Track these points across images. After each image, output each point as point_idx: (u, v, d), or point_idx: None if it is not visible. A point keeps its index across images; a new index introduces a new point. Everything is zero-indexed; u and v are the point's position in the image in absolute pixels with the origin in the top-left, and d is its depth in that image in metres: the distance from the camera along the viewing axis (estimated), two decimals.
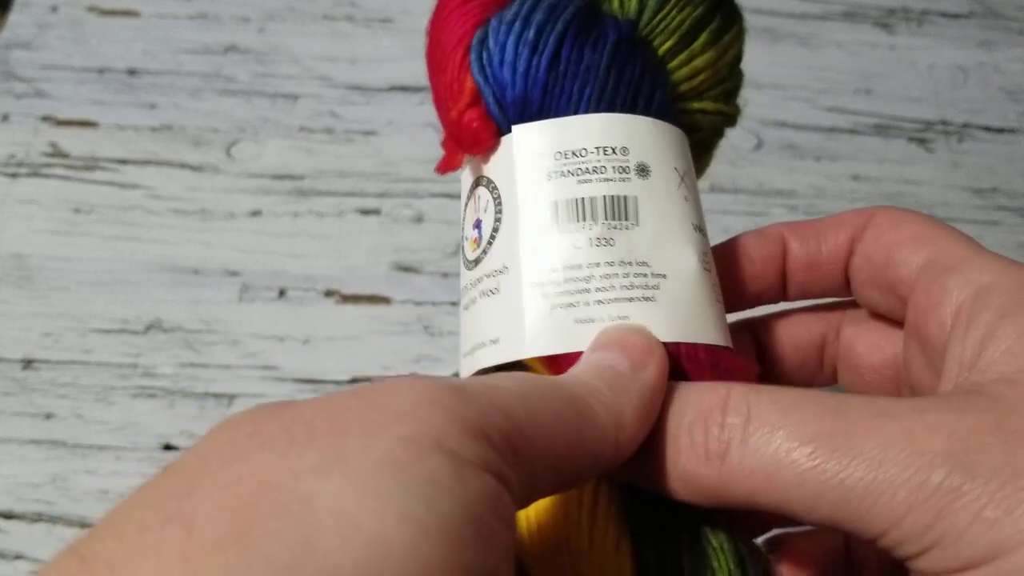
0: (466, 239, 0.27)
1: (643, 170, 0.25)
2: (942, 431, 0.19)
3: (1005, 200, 0.55)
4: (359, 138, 0.57)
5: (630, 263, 0.24)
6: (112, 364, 0.48)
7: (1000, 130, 0.58)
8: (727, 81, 0.28)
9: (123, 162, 0.55)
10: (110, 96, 0.58)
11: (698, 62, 0.27)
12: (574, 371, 0.22)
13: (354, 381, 0.48)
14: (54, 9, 0.62)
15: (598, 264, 0.24)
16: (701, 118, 0.28)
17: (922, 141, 0.57)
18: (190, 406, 0.47)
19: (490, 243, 0.25)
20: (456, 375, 0.27)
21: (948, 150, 0.57)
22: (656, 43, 0.26)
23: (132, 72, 0.59)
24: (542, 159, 0.25)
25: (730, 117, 0.28)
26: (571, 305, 0.24)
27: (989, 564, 0.18)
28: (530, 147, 0.25)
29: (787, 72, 0.60)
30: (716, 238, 0.28)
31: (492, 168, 0.26)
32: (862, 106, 0.59)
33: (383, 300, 0.50)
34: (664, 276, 0.24)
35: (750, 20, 0.29)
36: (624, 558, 0.22)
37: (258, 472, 0.16)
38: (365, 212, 0.54)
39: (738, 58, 0.28)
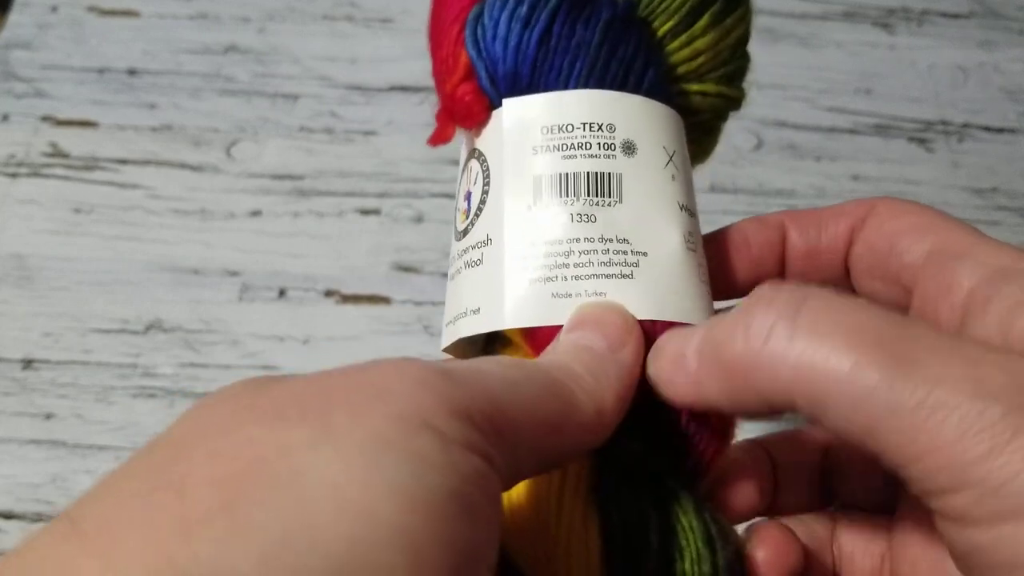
0: (457, 211, 0.27)
1: (629, 148, 0.25)
2: (1007, 371, 0.18)
3: (1005, 200, 0.55)
4: (359, 138, 0.57)
5: (610, 239, 0.24)
6: (112, 364, 0.48)
7: (1000, 130, 0.58)
8: (729, 63, 0.28)
9: (123, 162, 0.55)
10: (110, 96, 0.58)
11: (699, 43, 0.27)
12: (555, 354, 0.22)
13: None
14: (54, 9, 0.62)
15: (578, 240, 0.24)
16: (701, 100, 0.28)
17: (922, 141, 0.57)
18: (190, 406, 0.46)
19: (477, 214, 0.26)
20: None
21: (948, 150, 0.57)
22: (656, 23, 0.27)
23: (132, 72, 0.59)
24: (529, 133, 0.25)
25: (733, 100, 0.28)
26: (550, 279, 0.24)
27: None
28: (518, 121, 0.25)
29: (787, 72, 0.60)
30: None
31: (483, 141, 0.26)
32: (862, 106, 0.59)
33: (383, 300, 0.50)
34: (645, 254, 0.24)
35: None
36: (592, 534, 0.22)
37: (249, 445, 0.16)
38: (365, 212, 0.54)
39: (742, 41, 0.28)
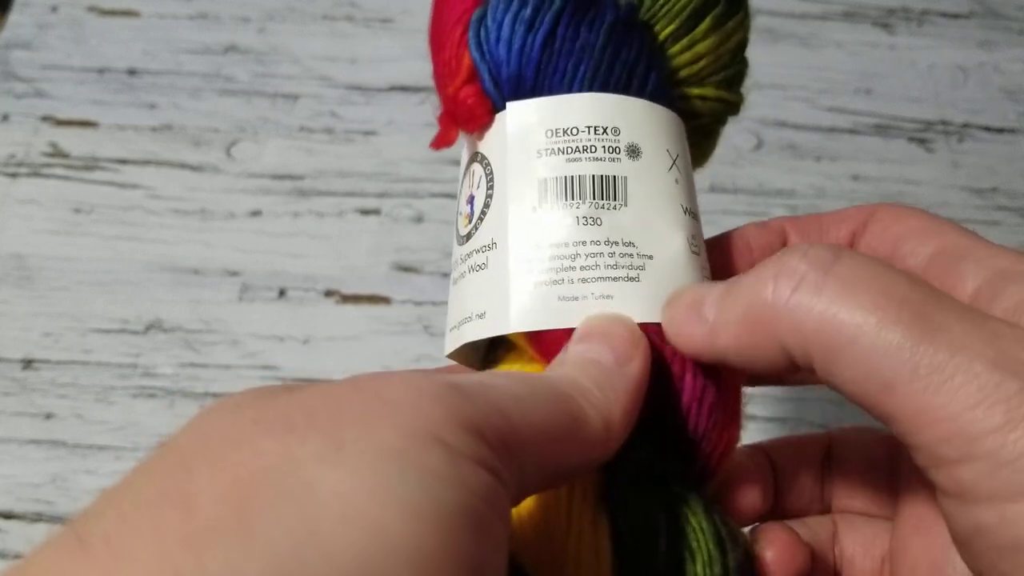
0: (459, 214, 0.27)
1: (634, 151, 0.25)
2: None
3: (1005, 200, 0.55)
4: (359, 138, 0.57)
5: (616, 243, 0.24)
6: (112, 364, 0.48)
7: (1000, 130, 0.58)
8: (729, 68, 0.28)
9: (123, 162, 0.55)
10: (110, 96, 0.58)
11: (700, 47, 0.27)
12: (562, 367, 0.22)
13: None
14: (54, 9, 0.62)
15: (584, 243, 0.24)
16: (701, 104, 0.28)
17: (922, 141, 0.57)
18: (190, 406, 0.46)
19: (481, 218, 0.26)
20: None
21: (948, 150, 0.57)
22: (658, 27, 0.27)
23: (132, 72, 0.59)
24: (533, 136, 0.25)
25: (732, 104, 0.29)
26: (556, 282, 0.24)
27: None
28: (522, 124, 0.25)
29: (787, 72, 0.60)
30: None
31: (486, 144, 0.26)
32: (862, 106, 0.59)
33: (383, 300, 0.50)
34: (650, 257, 0.24)
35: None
36: (602, 537, 0.22)
37: (258, 457, 0.16)
38: (365, 212, 0.54)
39: (742, 45, 0.28)
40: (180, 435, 0.17)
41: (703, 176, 0.30)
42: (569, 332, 0.24)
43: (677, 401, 0.24)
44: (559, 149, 0.25)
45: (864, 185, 0.55)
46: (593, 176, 0.25)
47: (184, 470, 0.16)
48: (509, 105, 0.26)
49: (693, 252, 0.25)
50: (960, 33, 0.63)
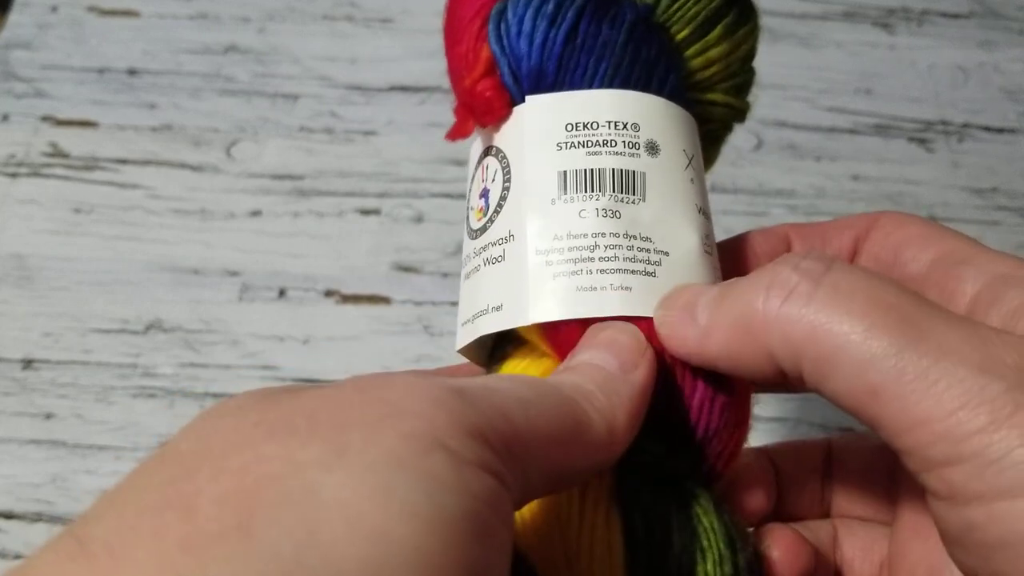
0: (471, 209, 0.27)
1: (653, 148, 0.25)
2: (1016, 349, 0.19)
3: (1005, 200, 0.55)
4: (359, 138, 0.57)
5: (634, 236, 0.24)
6: (112, 364, 0.48)
7: (1000, 130, 0.58)
8: (738, 76, 0.28)
9: (123, 162, 0.55)
10: (110, 96, 0.58)
11: (712, 53, 0.27)
12: (567, 374, 0.22)
13: None
14: (54, 9, 0.62)
15: (603, 234, 0.24)
16: (711, 109, 0.28)
17: (922, 141, 0.57)
18: (190, 406, 0.46)
19: (497, 211, 0.26)
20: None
21: (948, 150, 0.57)
22: (673, 30, 0.27)
23: (132, 72, 0.59)
24: (553, 130, 0.25)
25: (739, 111, 0.29)
26: (575, 273, 0.24)
27: None
28: (542, 118, 0.25)
29: (787, 72, 0.60)
30: (717, 237, 0.28)
31: (502, 138, 0.26)
32: (862, 106, 0.59)
33: (383, 300, 0.50)
34: (666, 253, 0.24)
35: None
36: (614, 534, 0.22)
37: (260, 462, 0.16)
38: (365, 212, 0.54)
39: (751, 54, 0.29)
40: (181, 437, 0.17)
41: (708, 171, 0.30)
42: (584, 325, 0.24)
43: (689, 400, 0.24)
44: (579, 142, 0.25)
45: (864, 185, 0.55)
46: (613, 170, 0.25)
47: (185, 473, 0.16)
48: (529, 99, 0.26)
49: (706, 252, 0.25)
50: (960, 33, 0.63)
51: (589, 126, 0.25)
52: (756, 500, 0.27)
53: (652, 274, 0.24)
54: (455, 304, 0.50)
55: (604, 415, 0.21)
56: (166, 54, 0.60)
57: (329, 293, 0.50)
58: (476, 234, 0.26)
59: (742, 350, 0.22)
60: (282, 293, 0.50)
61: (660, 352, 0.24)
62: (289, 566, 0.14)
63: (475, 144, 0.28)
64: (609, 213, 0.24)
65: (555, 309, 0.24)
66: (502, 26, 0.26)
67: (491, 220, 0.26)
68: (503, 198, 0.26)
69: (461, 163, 0.55)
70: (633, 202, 0.25)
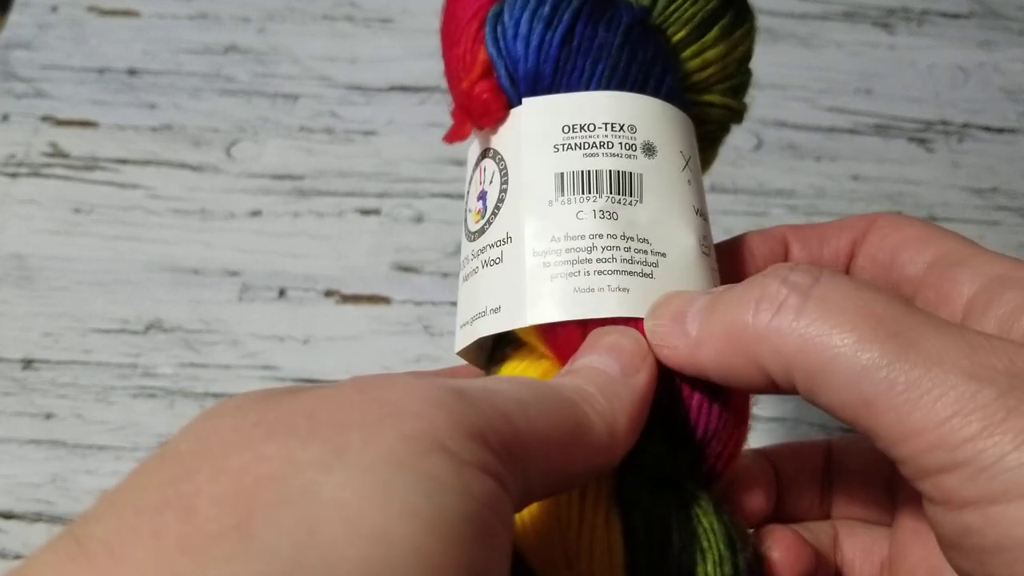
0: (469, 211, 0.27)
1: (649, 149, 0.25)
2: (1004, 357, 0.19)
3: (1005, 200, 0.55)
4: (359, 138, 0.57)
5: (632, 238, 0.24)
6: (112, 364, 0.48)
7: (1000, 130, 0.58)
8: (735, 77, 0.28)
9: (123, 162, 0.55)
10: (110, 96, 0.58)
11: (709, 55, 0.27)
12: (568, 376, 0.22)
13: None
14: (54, 9, 0.62)
15: (600, 236, 0.24)
16: (708, 111, 0.28)
17: (922, 141, 0.57)
18: (190, 406, 0.47)
19: (494, 214, 0.26)
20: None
21: (948, 150, 0.57)
22: (669, 32, 0.27)
23: (132, 72, 0.59)
24: (550, 132, 0.25)
25: (737, 112, 0.29)
26: (572, 275, 0.24)
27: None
28: (539, 120, 0.25)
29: (787, 72, 0.60)
30: (717, 238, 0.28)
31: (499, 140, 0.26)
32: (862, 106, 0.59)
33: (383, 300, 0.50)
34: (663, 255, 0.24)
35: None
36: (614, 534, 0.22)
37: (260, 462, 0.16)
38: (365, 212, 0.54)
39: (747, 55, 0.29)
40: (181, 437, 0.17)
41: (707, 172, 0.30)
42: (583, 326, 0.24)
43: (688, 401, 0.24)
44: (576, 144, 0.25)
45: (864, 185, 0.55)
46: (610, 171, 0.25)
47: (185, 474, 0.16)
48: (526, 101, 0.26)
49: (704, 253, 0.25)
50: (960, 33, 0.63)
51: (586, 128, 0.25)
52: (756, 501, 0.27)
53: (649, 275, 0.24)
54: (455, 304, 0.50)
55: (605, 418, 0.21)
56: (166, 54, 0.60)
57: (329, 293, 0.50)
58: (474, 236, 0.26)
59: (733, 362, 0.22)
60: (282, 293, 0.50)
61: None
62: (288, 566, 0.14)
63: (473, 146, 0.28)
64: (606, 214, 0.24)
65: (553, 311, 0.24)
66: (499, 29, 0.26)
67: (489, 222, 0.26)
68: (500, 200, 0.26)
69: (461, 163, 0.55)
70: (630, 203, 0.25)
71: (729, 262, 0.28)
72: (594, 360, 0.22)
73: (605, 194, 0.24)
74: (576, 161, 0.25)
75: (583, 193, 0.24)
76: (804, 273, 0.21)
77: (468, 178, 0.28)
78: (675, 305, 0.23)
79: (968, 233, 0.25)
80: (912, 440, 0.19)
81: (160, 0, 0.62)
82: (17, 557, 0.42)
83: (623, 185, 0.25)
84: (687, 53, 0.27)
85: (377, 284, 0.51)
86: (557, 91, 0.26)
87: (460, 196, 0.54)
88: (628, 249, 0.24)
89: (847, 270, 0.27)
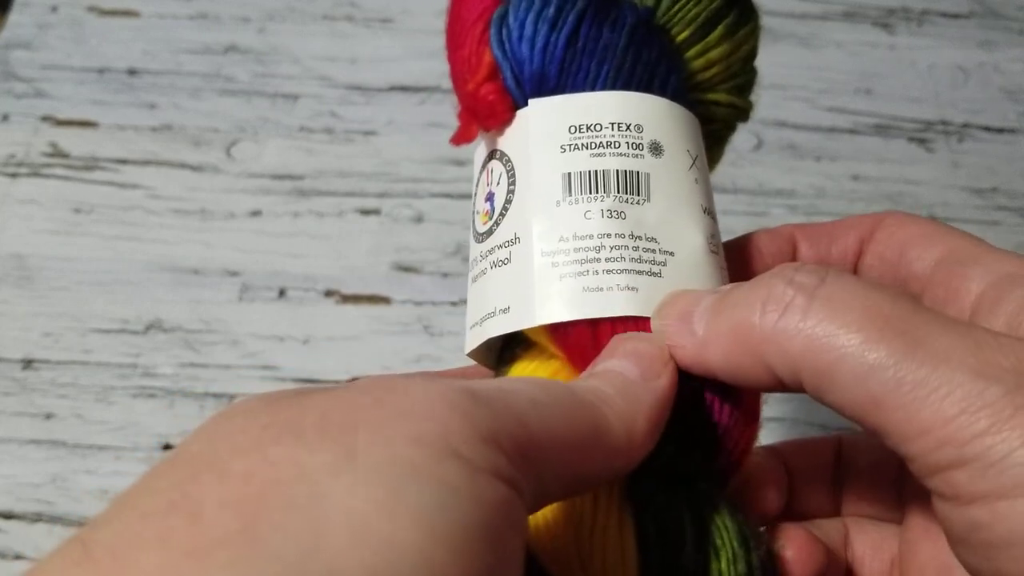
0: (477, 213, 0.27)
1: (656, 149, 0.25)
2: (1012, 354, 0.19)
3: (1005, 200, 0.55)
4: (359, 138, 0.57)
5: (640, 237, 0.24)
6: (112, 364, 0.48)
7: (1000, 130, 0.58)
8: (740, 75, 0.29)
9: (123, 162, 0.55)
10: (110, 96, 0.58)
11: (713, 54, 0.27)
12: (586, 378, 0.22)
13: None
14: (54, 9, 0.62)
15: (609, 235, 0.24)
16: (715, 110, 0.28)
17: (922, 141, 0.57)
18: (190, 406, 0.47)
19: (502, 215, 0.26)
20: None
21: (948, 150, 0.57)
22: (673, 31, 0.27)
23: (132, 72, 0.59)
24: (556, 132, 0.25)
25: (742, 111, 0.29)
26: (581, 274, 0.24)
27: None
28: (545, 120, 0.26)
29: (787, 72, 0.60)
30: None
31: (506, 141, 0.26)
32: (862, 106, 0.59)
33: (383, 300, 0.50)
34: (672, 254, 0.24)
35: None
36: (627, 534, 0.22)
37: (267, 466, 0.16)
38: (365, 212, 0.54)
39: (752, 54, 0.29)
40: (191, 440, 0.17)
41: (713, 171, 0.30)
42: (592, 326, 0.24)
43: (699, 399, 0.24)
44: (583, 144, 0.25)
45: (864, 185, 0.55)
46: (617, 171, 0.25)
47: (192, 478, 0.16)
48: (532, 102, 0.26)
49: (712, 251, 0.25)
50: (960, 33, 0.63)
51: (592, 128, 0.25)
52: (768, 499, 0.27)
53: (658, 274, 0.24)
54: (455, 304, 0.50)
55: (623, 420, 0.21)
56: (166, 54, 0.60)
57: (329, 293, 0.50)
58: (482, 237, 0.26)
59: (740, 361, 0.22)
60: (282, 293, 0.50)
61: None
62: (293, 573, 0.14)
63: (479, 148, 0.28)
64: (614, 214, 0.24)
65: (562, 310, 0.24)
66: (504, 30, 0.26)
67: (496, 223, 0.26)
68: (508, 201, 0.26)
69: (461, 163, 0.55)
70: (638, 203, 0.25)
71: (737, 261, 0.28)
72: (614, 364, 0.22)
73: (613, 194, 0.25)
74: (583, 161, 0.25)
75: (590, 193, 0.25)
76: (810, 273, 0.21)
77: (475, 180, 0.28)
78: (681, 304, 0.23)
79: None
80: (920, 437, 0.19)
81: (160, 0, 0.62)
82: (17, 557, 0.42)
83: (630, 184, 0.25)
84: (691, 52, 0.27)
85: (377, 284, 0.51)
86: (563, 92, 0.26)
87: (460, 196, 0.54)
88: (636, 248, 0.24)
89: (855, 268, 0.28)
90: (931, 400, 0.19)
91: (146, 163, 0.55)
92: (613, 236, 0.24)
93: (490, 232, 0.26)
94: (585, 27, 0.25)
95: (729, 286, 0.23)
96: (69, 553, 0.15)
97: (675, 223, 0.25)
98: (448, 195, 0.54)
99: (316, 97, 0.58)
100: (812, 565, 0.25)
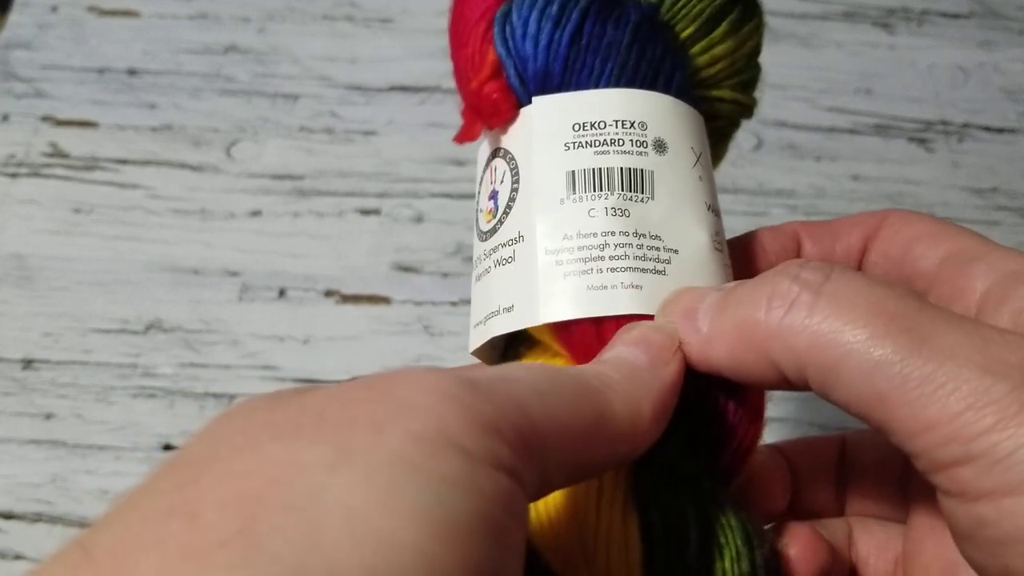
0: (481, 211, 0.27)
1: (660, 146, 0.25)
2: (1020, 349, 0.19)
3: (1005, 200, 0.55)
4: (359, 138, 0.57)
5: (644, 235, 0.24)
6: (112, 364, 0.48)
7: (1000, 130, 0.58)
8: (744, 72, 0.29)
9: (123, 162, 0.55)
10: (110, 96, 0.58)
11: (717, 50, 0.27)
12: (594, 364, 0.22)
13: None
14: (54, 9, 0.62)
15: (613, 233, 0.24)
16: (719, 106, 0.28)
17: (922, 141, 0.57)
18: (190, 406, 0.47)
19: (506, 213, 0.26)
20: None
21: (948, 150, 0.57)
22: (678, 28, 0.27)
23: (132, 72, 0.59)
24: (560, 130, 0.25)
25: (747, 107, 0.29)
26: (585, 272, 0.24)
27: None
28: (549, 118, 0.25)
29: (787, 72, 0.60)
30: None
31: (510, 139, 0.26)
32: (862, 106, 0.59)
33: (383, 300, 0.50)
34: (676, 252, 0.24)
35: None
36: (631, 531, 0.22)
37: (264, 464, 0.16)
38: (365, 212, 0.54)
39: (756, 50, 0.29)
40: (192, 442, 0.17)
41: (717, 167, 0.30)
42: (597, 324, 0.24)
43: (703, 397, 0.24)
44: (587, 142, 0.25)
45: (864, 185, 0.55)
46: (621, 168, 0.25)
47: (192, 479, 0.16)
48: (535, 100, 0.26)
49: (716, 249, 0.25)
50: (960, 33, 0.63)
51: (596, 125, 0.25)
52: (772, 497, 0.27)
53: (662, 272, 0.24)
54: (455, 304, 0.50)
55: (629, 405, 0.20)
56: (166, 54, 0.60)
57: (329, 293, 0.50)
58: (486, 236, 0.26)
59: (744, 358, 0.22)
60: (282, 293, 0.50)
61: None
62: (291, 572, 0.14)
63: (483, 146, 0.28)
64: (618, 212, 0.24)
65: (566, 309, 0.24)
66: (507, 28, 0.26)
67: (500, 221, 0.26)
68: (512, 199, 0.26)
69: (461, 163, 0.55)
70: (642, 201, 0.25)
71: (741, 258, 0.28)
72: (622, 351, 0.22)
73: (617, 192, 0.24)
74: (587, 159, 0.25)
75: (595, 191, 0.24)
76: (815, 270, 0.21)
77: (479, 178, 0.28)
78: (685, 301, 0.23)
79: None
80: (926, 434, 0.19)
81: (160, 0, 0.62)
82: (17, 557, 0.42)
83: (634, 182, 0.25)
84: (696, 49, 0.27)
85: (377, 284, 0.51)
86: (567, 90, 0.26)
87: (460, 196, 0.54)
88: (640, 246, 0.24)
89: (859, 266, 0.27)
90: (937, 396, 0.19)
91: (146, 163, 0.55)
92: (617, 234, 0.24)
93: (494, 230, 0.26)
94: (589, 24, 0.25)
95: (734, 283, 0.23)
96: (69, 556, 0.15)
97: (679, 221, 0.25)
98: (448, 195, 0.54)
99: (316, 97, 0.58)
100: (816, 563, 0.25)
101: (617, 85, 0.26)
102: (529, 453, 0.17)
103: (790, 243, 0.28)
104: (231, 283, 0.51)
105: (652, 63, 0.26)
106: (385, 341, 0.49)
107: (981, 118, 0.59)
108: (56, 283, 0.50)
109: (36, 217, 0.53)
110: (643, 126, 0.25)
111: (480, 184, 0.28)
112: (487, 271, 0.26)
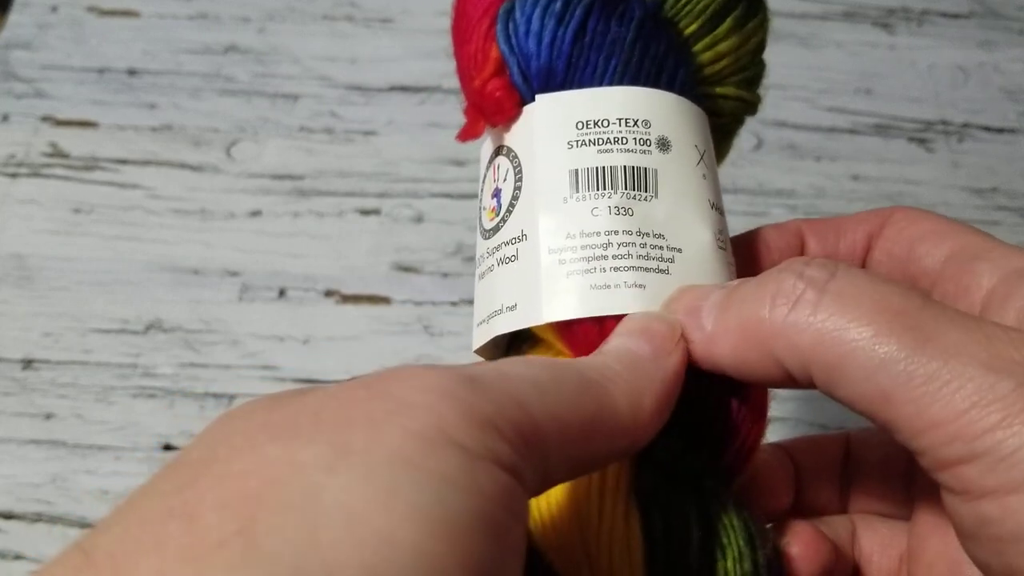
0: (484, 209, 0.27)
1: (664, 144, 0.25)
2: (1022, 348, 0.19)
3: (1005, 200, 0.55)
4: (359, 138, 0.57)
5: (647, 234, 0.24)
6: (112, 364, 0.48)
7: (1000, 130, 0.58)
8: (749, 69, 0.28)
9: (123, 162, 0.55)
10: (110, 96, 0.58)
11: (722, 47, 0.27)
12: (596, 355, 0.22)
13: None
14: (54, 9, 0.62)
15: (616, 232, 0.24)
16: (723, 103, 0.28)
17: (922, 141, 0.57)
18: (190, 406, 0.46)
19: (509, 211, 0.26)
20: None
21: (948, 150, 0.57)
22: (681, 25, 0.27)
23: (132, 72, 0.59)
24: (564, 128, 0.25)
25: (751, 104, 0.29)
26: (588, 271, 0.24)
27: None
28: (552, 116, 0.25)
29: (787, 72, 0.60)
30: None
31: (513, 137, 0.26)
32: (862, 106, 0.59)
33: (383, 300, 0.50)
34: (679, 250, 0.24)
35: None
36: (634, 531, 0.22)
37: (262, 465, 0.15)
38: (365, 212, 0.54)
39: (761, 46, 0.29)
40: (192, 445, 0.17)
41: (722, 164, 0.30)
42: (599, 323, 0.24)
43: (706, 395, 0.24)
44: (590, 140, 0.25)
45: (864, 185, 0.55)
46: (624, 167, 0.25)
47: (191, 481, 0.16)
48: (539, 97, 0.26)
49: (720, 247, 0.25)
50: (960, 33, 0.63)
51: (600, 124, 0.25)
52: (775, 496, 0.27)
53: (666, 271, 0.24)
54: (455, 304, 0.50)
55: (629, 397, 0.20)
56: (166, 54, 0.60)
57: (329, 293, 0.50)
58: (489, 234, 0.26)
59: (748, 356, 0.22)
60: (282, 293, 0.50)
61: None
62: (290, 573, 0.14)
63: (485, 144, 0.28)
64: (621, 211, 0.24)
65: (569, 308, 0.24)
66: (510, 25, 0.26)
67: (504, 220, 0.26)
68: (515, 198, 0.26)
69: (461, 163, 0.55)
70: (645, 199, 0.24)
71: (745, 256, 0.28)
72: (624, 342, 0.22)
73: (620, 190, 0.24)
74: (590, 157, 0.25)
75: (598, 189, 0.24)
76: (820, 267, 0.21)
77: (482, 176, 0.28)
78: (689, 299, 0.23)
79: None
80: (931, 432, 0.19)
81: (160, 0, 0.62)
82: (17, 557, 0.42)
83: (638, 181, 0.25)
84: (700, 46, 0.27)
85: (377, 284, 0.51)
86: (570, 87, 0.26)
87: (460, 196, 0.54)
88: (644, 245, 0.24)
89: (863, 264, 0.27)
90: (942, 394, 0.19)
91: (146, 163, 0.55)
92: (620, 233, 0.24)
93: (497, 229, 0.26)
94: (592, 21, 0.25)
95: (738, 281, 0.23)
96: (70, 559, 0.15)
97: (683, 219, 0.25)
98: (448, 195, 0.54)
99: (316, 97, 0.58)
100: (819, 562, 0.25)
101: (621, 83, 0.25)
102: (529, 449, 0.17)
103: (794, 241, 0.28)
104: (231, 283, 0.51)
105: (656, 60, 0.26)
106: (385, 341, 0.49)
107: (981, 118, 0.59)
108: (56, 283, 0.50)
109: (36, 217, 0.53)
110: (647, 124, 0.25)
111: (483, 182, 0.28)
112: (490, 269, 0.26)
